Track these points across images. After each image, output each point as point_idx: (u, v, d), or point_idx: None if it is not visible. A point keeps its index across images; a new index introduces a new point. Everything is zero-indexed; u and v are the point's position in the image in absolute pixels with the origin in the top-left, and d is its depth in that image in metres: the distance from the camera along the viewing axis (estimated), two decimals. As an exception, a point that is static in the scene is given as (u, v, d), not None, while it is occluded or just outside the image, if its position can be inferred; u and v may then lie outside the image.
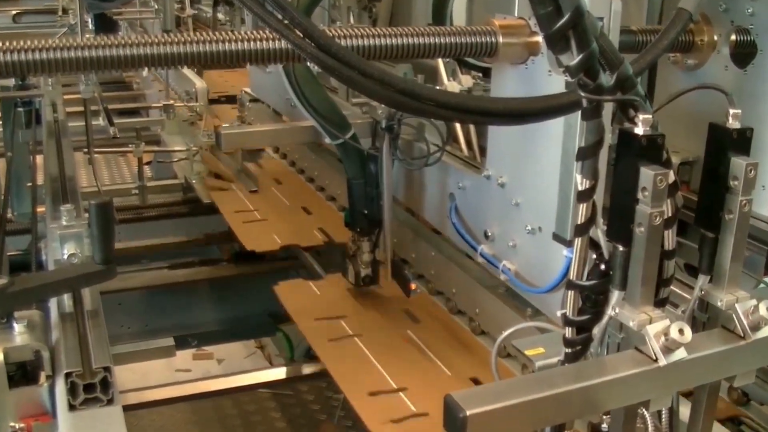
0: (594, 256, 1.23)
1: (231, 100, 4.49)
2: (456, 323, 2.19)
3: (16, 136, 3.12)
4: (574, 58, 1.13)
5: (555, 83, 1.59)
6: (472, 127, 2.15)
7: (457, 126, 2.15)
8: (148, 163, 3.82)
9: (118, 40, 1.41)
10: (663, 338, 1.19)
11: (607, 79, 1.17)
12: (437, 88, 2.07)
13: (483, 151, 2.02)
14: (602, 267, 1.23)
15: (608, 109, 1.43)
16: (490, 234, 1.89)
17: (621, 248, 1.21)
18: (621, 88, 1.19)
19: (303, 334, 2.22)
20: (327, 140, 2.27)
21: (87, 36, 4.35)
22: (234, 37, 1.46)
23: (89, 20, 4.62)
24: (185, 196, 3.62)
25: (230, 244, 3.43)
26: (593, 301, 1.23)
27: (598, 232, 1.23)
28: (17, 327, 1.50)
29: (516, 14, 1.67)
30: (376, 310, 2.31)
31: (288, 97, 2.53)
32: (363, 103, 2.42)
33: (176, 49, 1.43)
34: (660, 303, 1.25)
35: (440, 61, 2.18)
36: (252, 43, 1.46)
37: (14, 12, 7.14)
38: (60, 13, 6.76)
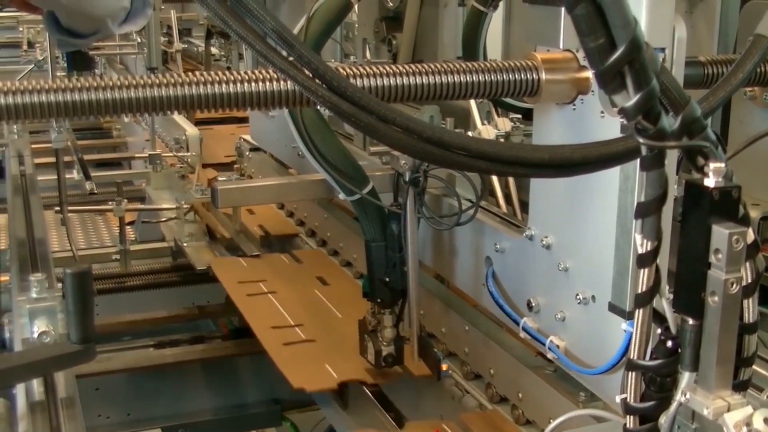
0: (659, 330, 1.23)
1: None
2: (496, 411, 2.17)
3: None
4: (630, 99, 1.13)
5: (608, 127, 1.59)
6: (511, 179, 2.15)
7: (494, 178, 2.16)
8: (130, 224, 3.85)
9: (96, 82, 1.42)
10: (745, 429, 1.18)
11: (670, 121, 1.17)
12: (470, 134, 2.09)
13: (524, 206, 2.03)
14: (669, 344, 1.22)
15: (673, 156, 1.43)
16: (534, 304, 1.89)
17: (691, 321, 1.20)
18: (687, 132, 1.19)
19: None
20: (341, 196, 2.28)
21: (58, 75, 4.44)
22: (232, 78, 1.47)
23: (60, 56, 4.70)
24: (175, 261, 3.65)
25: (227, 318, 3.44)
26: (659, 385, 1.22)
27: (663, 303, 1.22)
28: (-23, 419, 1.50)
29: (561, 46, 1.68)
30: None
31: (294, 146, 2.56)
32: (383, 152, 2.43)
33: (164, 92, 1.44)
34: (740, 386, 1.23)
35: (473, 103, 2.19)
36: (253, 84, 1.47)
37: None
38: (25, 47, 6.88)
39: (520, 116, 2.31)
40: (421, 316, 2.26)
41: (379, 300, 2.27)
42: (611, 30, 1.08)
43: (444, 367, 2.21)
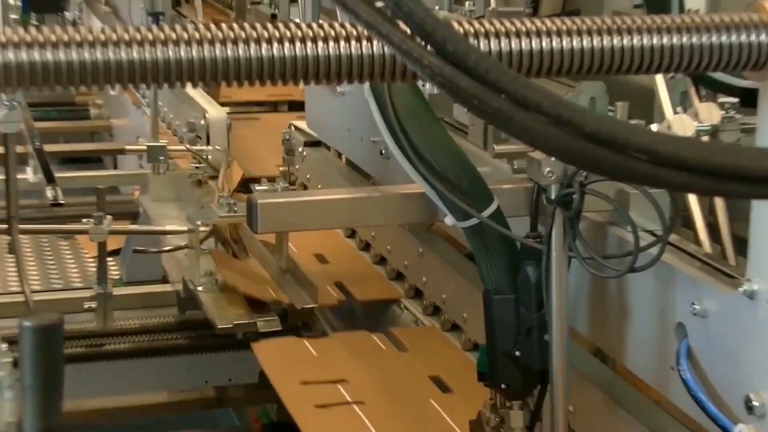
0: None
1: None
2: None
3: None
4: None
5: None
6: (720, 203, 2.14)
7: (693, 199, 2.15)
8: (114, 253, 3.90)
9: (67, 34, 1.42)
10: None
11: None
12: (656, 129, 2.08)
13: (740, 245, 2.01)
14: None
15: None
16: (756, 403, 1.87)
17: None
18: None
19: None
20: (448, 220, 2.28)
21: (10, 19, 4.50)
22: (282, 34, 1.47)
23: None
24: (182, 315, 3.66)
25: (260, 407, 3.45)
26: None
27: None
28: None
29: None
30: None
31: (376, 140, 2.57)
32: (514, 152, 2.43)
33: (173, 52, 1.42)
34: None
35: (660, 80, 2.18)
36: (316, 44, 1.47)
37: None
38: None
39: (735, 101, 2.29)
40: (571, 415, 2.26)
41: (504, 386, 2.27)
42: None
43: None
